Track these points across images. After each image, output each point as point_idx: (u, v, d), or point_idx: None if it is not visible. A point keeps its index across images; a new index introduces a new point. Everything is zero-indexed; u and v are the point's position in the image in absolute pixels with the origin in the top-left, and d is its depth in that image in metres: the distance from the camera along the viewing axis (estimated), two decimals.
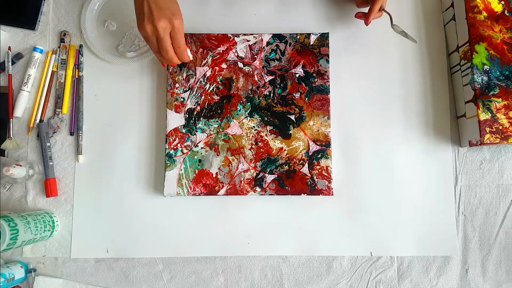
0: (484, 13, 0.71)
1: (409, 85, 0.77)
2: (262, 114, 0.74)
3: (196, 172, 0.72)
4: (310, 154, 0.72)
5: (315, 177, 0.72)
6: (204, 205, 0.74)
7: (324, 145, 0.73)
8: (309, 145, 0.73)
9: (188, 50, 0.71)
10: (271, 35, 0.76)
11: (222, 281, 0.73)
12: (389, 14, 0.73)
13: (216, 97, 0.74)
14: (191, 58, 0.72)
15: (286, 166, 0.72)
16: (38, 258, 0.74)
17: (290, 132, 0.73)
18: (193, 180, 0.72)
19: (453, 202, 0.75)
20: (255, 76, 0.75)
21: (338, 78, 0.76)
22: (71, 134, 0.76)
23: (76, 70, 0.78)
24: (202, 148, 0.73)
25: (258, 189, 0.72)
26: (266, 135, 0.73)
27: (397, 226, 0.74)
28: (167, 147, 0.73)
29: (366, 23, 0.73)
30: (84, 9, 0.78)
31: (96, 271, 0.73)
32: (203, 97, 0.74)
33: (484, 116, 0.68)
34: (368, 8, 0.74)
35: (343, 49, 0.78)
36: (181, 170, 0.72)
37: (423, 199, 0.74)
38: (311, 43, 0.75)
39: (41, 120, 0.76)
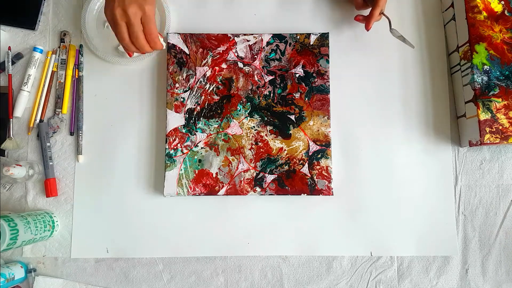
0: (484, 13, 0.71)
1: (409, 85, 0.77)
2: (262, 114, 0.74)
3: (196, 172, 0.72)
4: (310, 154, 0.72)
5: (315, 177, 0.72)
6: (204, 205, 0.74)
7: (324, 145, 0.73)
8: (309, 145, 0.73)
9: (161, 39, 0.69)
10: (271, 35, 0.76)
11: (222, 281, 0.73)
12: (388, 18, 0.73)
13: (216, 97, 0.74)
14: (164, 47, 0.71)
15: (286, 166, 0.72)
16: (38, 258, 0.74)
17: (290, 132, 0.73)
18: (193, 180, 0.72)
19: (453, 202, 0.75)
20: (255, 76, 0.75)
21: (338, 78, 0.76)
22: (71, 134, 0.77)
23: (76, 70, 0.78)
24: (202, 148, 0.73)
25: (258, 189, 0.72)
26: (266, 135, 0.73)
27: (397, 226, 0.74)
28: (167, 147, 0.73)
29: (367, 28, 0.73)
30: (84, 9, 0.78)
31: (96, 271, 0.73)
32: (203, 97, 0.74)
33: (484, 116, 0.68)
34: (367, 10, 0.74)
35: (343, 49, 0.78)
36: (181, 170, 0.72)
37: (423, 199, 0.74)
38: (311, 43, 0.75)
39: (41, 120, 0.76)
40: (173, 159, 0.73)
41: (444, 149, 0.76)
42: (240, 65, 0.75)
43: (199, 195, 0.72)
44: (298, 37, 0.75)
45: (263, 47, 0.75)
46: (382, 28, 0.75)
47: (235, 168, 0.72)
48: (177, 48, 0.75)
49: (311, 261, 0.74)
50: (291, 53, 0.75)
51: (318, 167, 0.72)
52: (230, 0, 0.79)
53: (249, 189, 0.72)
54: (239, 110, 0.74)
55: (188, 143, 0.73)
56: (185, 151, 0.73)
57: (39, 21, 0.79)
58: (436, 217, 0.74)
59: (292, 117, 0.74)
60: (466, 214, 0.74)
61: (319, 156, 0.72)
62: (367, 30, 0.73)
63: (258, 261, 0.74)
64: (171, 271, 0.74)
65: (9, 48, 0.77)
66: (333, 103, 0.74)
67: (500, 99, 0.69)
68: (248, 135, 0.73)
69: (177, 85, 0.75)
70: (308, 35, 0.75)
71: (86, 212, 0.75)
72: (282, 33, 0.76)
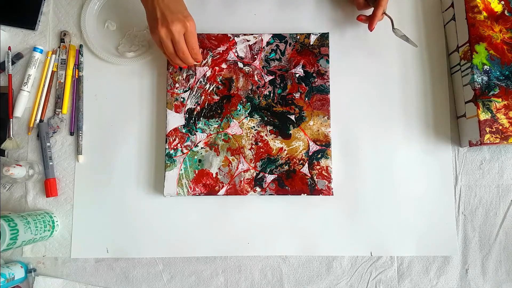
0: (484, 13, 0.71)
1: (409, 85, 0.77)
2: (262, 114, 0.74)
3: (196, 172, 0.72)
4: (310, 154, 0.72)
5: (315, 177, 0.72)
6: (204, 205, 0.74)
7: (324, 145, 0.73)
8: (309, 145, 0.73)
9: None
10: (271, 35, 0.76)
11: (222, 281, 0.73)
12: (390, 18, 0.73)
13: (216, 97, 0.74)
14: (201, 58, 0.73)
15: (286, 166, 0.72)
16: (38, 258, 0.74)
17: (290, 132, 0.73)
18: (193, 180, 0.72)
19: (453, 202, 0.75)
20: (255, 76, 0.75)
21: (338, 78, 0.76)
22: (71, 134, 0.77)
23: (76, 70, 0.78)
24: (202, 148, 0.73)
25: (258, 189, 0.72)
26: (266, 135, 0.73)
27: (397, 226, 0.74)
28: (167, 147, 0.73)
29: (371, 29, 0.73)
30: (84, 9, 0.78)
31: (96, 271, 0.73)
32: (203, 97, 0.74)
33: (484, 116, 0.68)
34: (368, 10, 0.74)
35: (343, 49, 0.78)
36: (181, 170, 0.72)
37: (423, 199, 0.74)
38: (311, 43, 0.75)
39: (41, 120, 0.76)
40: (173, 159, 0.73)
41: (444, 149, 0.76)
42: (240, 65, 0.75)
43: (199, 195, 0.72)
44: (298, 37, 0.75)
45: (263, 47, 0.75)
46: (382, 28, 0.75)
47: (235, 168, 0.72)
48: None
49: (311, 261, 0.74)
50: (291, 53, 0.75)
51: (318, 167, 0.72)
52: (230, 0, 0.79)
53: (249, 189, 0.72)
54: (239, 110, 0.74)
55: (188, 143, 0.73)
56: (185, 151, 0.73)
57: (39, 21, 0.79)
58: (436, 217, 0.74)
59: (292, 117, 0.74)
60: (466, 214, 0.74)
61: (319, 156, 0.72)
62: (371, 31, 0.73)
63: (258, 261, 0.74)
64: (171, 271, 0.74)
65: (9, 48, 0.77)
66: (333, 103, 0.74)
67: (500, 99, 0.69)
68: (248, 135, 0.73)
69: (177, 85, 0.75)
70: (308, 35, 0.75)
71: (86, 212, 0.75)
72: (282, 33, 0.76)
